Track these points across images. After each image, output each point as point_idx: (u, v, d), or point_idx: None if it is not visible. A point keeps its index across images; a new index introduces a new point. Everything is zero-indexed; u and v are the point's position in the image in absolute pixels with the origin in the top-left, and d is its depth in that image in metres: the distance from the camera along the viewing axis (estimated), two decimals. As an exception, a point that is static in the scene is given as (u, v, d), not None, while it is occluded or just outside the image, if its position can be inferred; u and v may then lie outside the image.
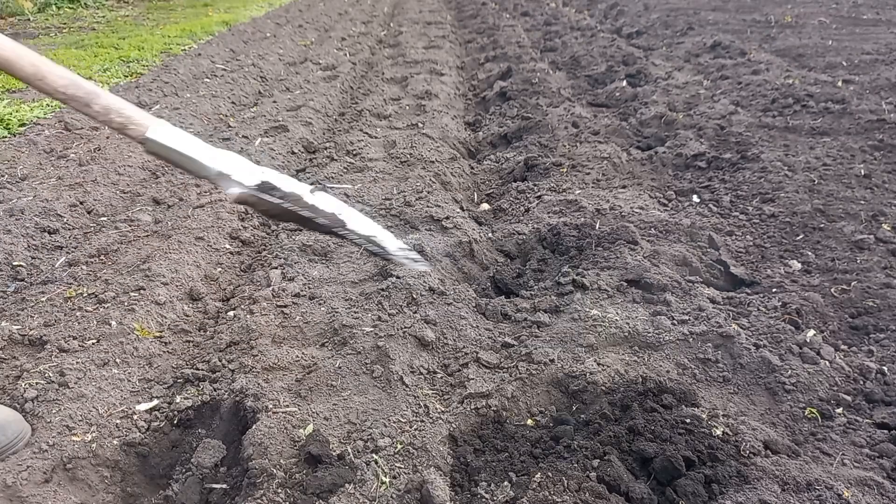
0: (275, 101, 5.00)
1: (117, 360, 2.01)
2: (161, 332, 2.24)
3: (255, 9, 10.91)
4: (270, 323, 2.26)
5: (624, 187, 3.45)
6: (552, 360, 2.01)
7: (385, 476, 1.61)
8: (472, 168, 4.01)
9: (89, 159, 3.71)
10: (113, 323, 2.16)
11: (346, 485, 1.57)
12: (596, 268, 2.54)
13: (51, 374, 1.90)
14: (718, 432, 1.74)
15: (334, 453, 1.67)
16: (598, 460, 1.65)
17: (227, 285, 2.67)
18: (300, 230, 2.92)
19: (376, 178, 3.53)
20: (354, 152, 3.90)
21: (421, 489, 1.56)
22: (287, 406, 1.85)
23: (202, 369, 2.08)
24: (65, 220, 3.06)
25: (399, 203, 3.14)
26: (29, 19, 9.41)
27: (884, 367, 2.05)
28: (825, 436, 1.79)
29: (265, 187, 1.51)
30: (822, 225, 3.01)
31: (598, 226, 2.88)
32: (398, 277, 2.44)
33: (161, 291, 2.40)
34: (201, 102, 4.88)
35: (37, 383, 1.86)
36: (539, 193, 3.34)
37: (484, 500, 1.57)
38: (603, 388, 1.91)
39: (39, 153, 3.81)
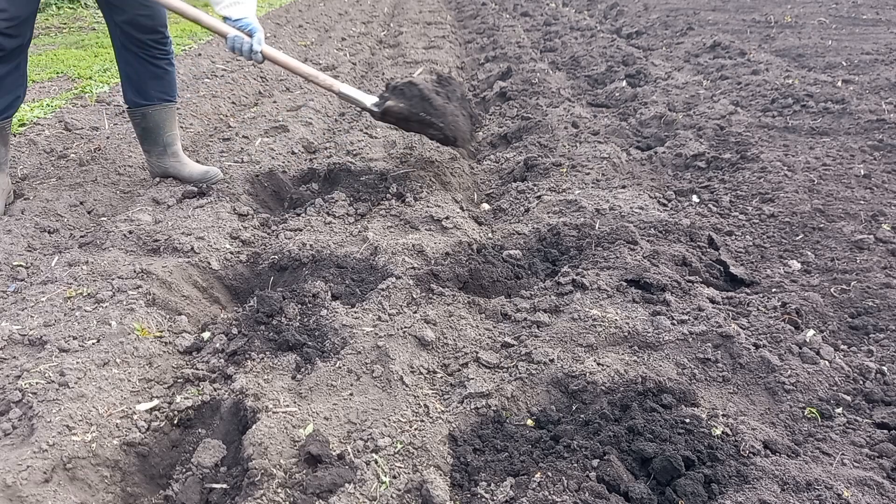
0: (275, 101, 5.00)
1: (117, 360, 2.01)
2: (161, 332, 2.24)
3: (255, 9, 10.90)
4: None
5: (624, 187, 3.45)
6: (552, 360, 2.01)
7: (385, 476, 1.62)
8: (472, 168, 4.01)
9: (89, 159, 3.71)
10: (113, 323, 2.16)
11: (346, 485, 1.57)
12: (596, 268, 2.54)
13: (51, 374, 1.90)
14: (718, 432, 1.74)
15: (334, 453, 1.67)
16: (598, 460, 1.65)
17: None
18: (300, 230, 2.93)
19: (376, 178, 3.52)
20: (354, 152, 3.90)
21: (421, 489, 1.56)
22: (287, 406, 1.85)
23: (202, 369, 2.08)
24: (65, 220, 3.06)
25: (399, 203, 3.14)
26: (29, 19, 9.40)
27: (883, 367, 2.05)
28: (825, 436, 1.79)
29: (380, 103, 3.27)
30: (821, 225, 3.01)
31: (597, 226, 2.88)
32: (398, 278, 2.44)
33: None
34: (201, 102, 4.88)
35: (37, 383, 1.86)
36: (539, 193, 3.34)
37: (484, 499, 1.57)
38: (602, 387, 1.91)
39: (39, 153, 3.81)
